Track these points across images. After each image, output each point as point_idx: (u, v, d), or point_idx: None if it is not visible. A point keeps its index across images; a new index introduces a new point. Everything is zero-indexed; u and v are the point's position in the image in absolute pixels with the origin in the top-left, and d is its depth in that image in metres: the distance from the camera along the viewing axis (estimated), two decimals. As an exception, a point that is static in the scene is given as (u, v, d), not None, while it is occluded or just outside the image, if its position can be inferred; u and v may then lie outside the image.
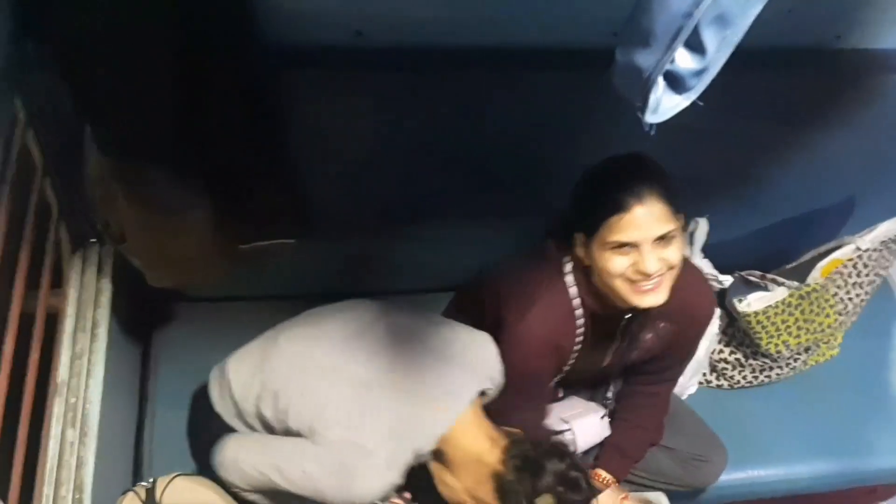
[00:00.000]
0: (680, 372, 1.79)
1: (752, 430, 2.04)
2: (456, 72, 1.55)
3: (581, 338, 1.52)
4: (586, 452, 1.77)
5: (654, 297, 1.37)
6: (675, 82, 0.82)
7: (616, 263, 1.35)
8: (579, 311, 1.49)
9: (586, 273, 1.45)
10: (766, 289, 1.91)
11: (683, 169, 1.65)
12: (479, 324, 1.61)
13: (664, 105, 0.84)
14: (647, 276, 1.33)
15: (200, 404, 1.61)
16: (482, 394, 1.47)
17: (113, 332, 1.67)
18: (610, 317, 1.51)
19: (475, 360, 1.50)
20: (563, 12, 1.45)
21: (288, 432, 1.44)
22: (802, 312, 1.93)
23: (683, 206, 1.38)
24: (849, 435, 2.08)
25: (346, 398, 1.41)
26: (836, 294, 1.98)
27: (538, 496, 1.31)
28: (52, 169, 1.54)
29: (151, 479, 1.52)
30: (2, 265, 1.31)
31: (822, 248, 1.99)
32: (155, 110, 1.35)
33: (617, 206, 1.32)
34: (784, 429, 2.06)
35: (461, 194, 1.79)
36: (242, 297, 2.03)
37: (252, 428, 1.51)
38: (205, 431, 1.57)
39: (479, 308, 1.66)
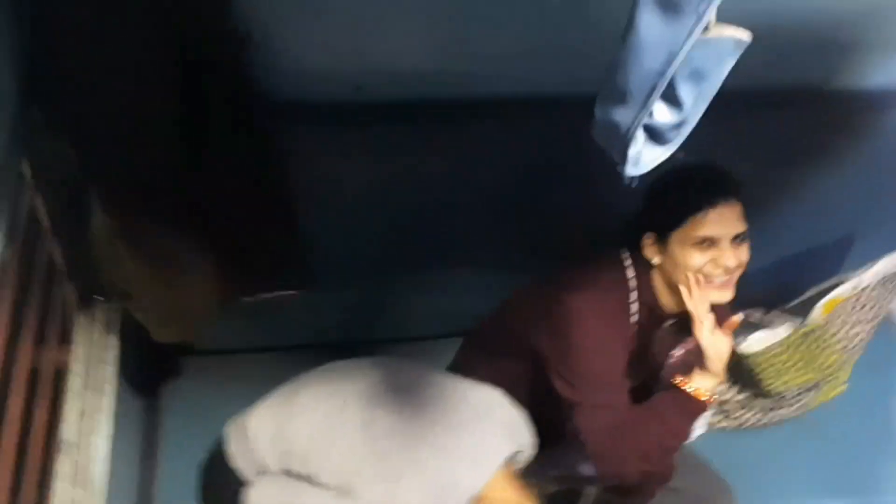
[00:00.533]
0: None
1: (759, 470, 2.02)
2: (455, 123, 1.58)
3: (636, 329, 1.56)
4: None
5: (724, 292, 1.47)
6: (655, 136, 0.84)
7: (696, 258, 1.44)
8: (635, 306, 1.54)
9: (647, 271, 1.52)
10: (767, 327, 1.91)
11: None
12: (507, 356, 1.63)
13: (644, 158, 0.86)
14: (726, 270, 1.44)
15: (213, 460, 1.61)
16: (512, 458, 1.48)
17: (120, 388, 1.69)
18: (654, 320, 1.57)
19: (509, 422, 1.51)
20: (561, 63, 1.48)
21: (318, 486, 1.44)
22: (804, 352, 1.93)
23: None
24: (858, 473, 2.07)
25: (385, 453, 1.39)
26: (836, 333, 1.98)
27: None
28: (58, 228, 1.57)
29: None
30: (10, 323, 1.33)
31: (823, 286, 2.00)
32: (158, 170, 1.39)
33: (704, 202, 1.42)
34: (791, 467, 2.05)
35: (463, 241, 1.81)
36: (250, 348, 2.04)
37: None
38: (219, 486, 1.57)
39: (504, 335, 1.67)
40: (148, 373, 1.95)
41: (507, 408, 1.53)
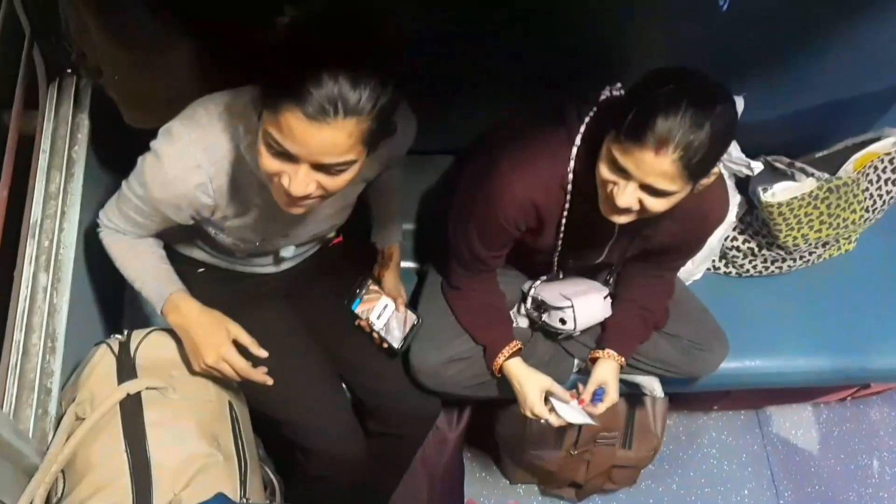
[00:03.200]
0: (683, 263, 1.72)
1: (754, 319, 1.97)
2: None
3: (566, 217, 1.45)
4: (585, 332, 1.70)
5: (623, 217, 1.30)
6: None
7: (606, 178, 1.26)
8: (570, 188, 1.40)
9: (593, 152, 1.31)
10: (792, 178, 1.78)
11: (719, 44, 1.57)
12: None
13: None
14: (613, 209, 1.29)
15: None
16: None
17: (90, 170, 1.56)
18: (588, 210, 1.41)
19: None
20: None
21: None
22: (828, 206, 1.82)
23: (708, 169, 1.25)
24: (852, 332, 2.00)
25: None
26: (866, 189, 1.86)
27: None
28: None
29: (126, 332, 1.44)
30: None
31: (858, 139, 1.86)
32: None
33: (638, 135, 1.18)
34: (787, 321, 1.99)
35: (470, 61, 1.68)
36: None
37: None
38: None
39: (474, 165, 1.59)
40: (121, 155, 1.80)
41: None
